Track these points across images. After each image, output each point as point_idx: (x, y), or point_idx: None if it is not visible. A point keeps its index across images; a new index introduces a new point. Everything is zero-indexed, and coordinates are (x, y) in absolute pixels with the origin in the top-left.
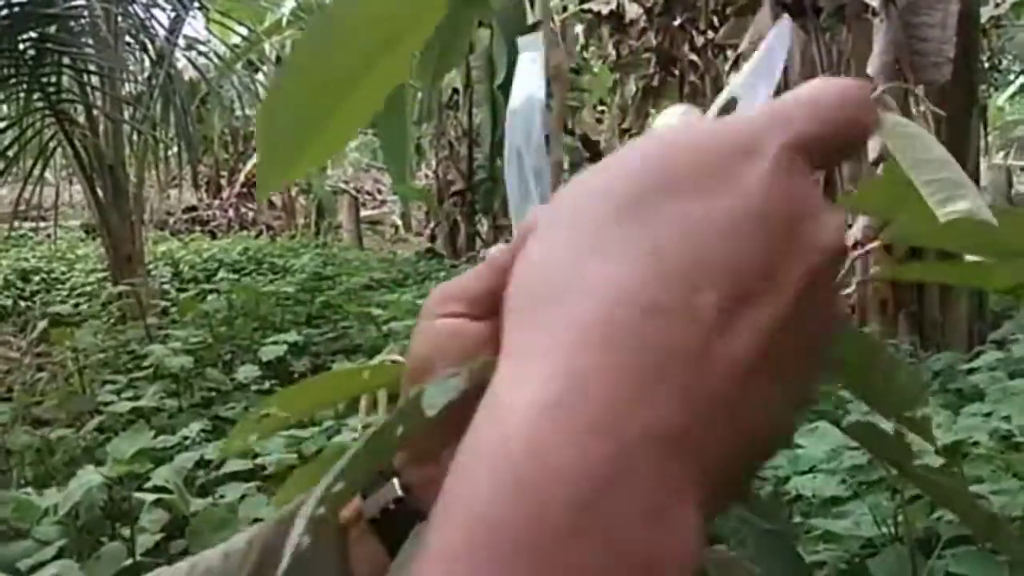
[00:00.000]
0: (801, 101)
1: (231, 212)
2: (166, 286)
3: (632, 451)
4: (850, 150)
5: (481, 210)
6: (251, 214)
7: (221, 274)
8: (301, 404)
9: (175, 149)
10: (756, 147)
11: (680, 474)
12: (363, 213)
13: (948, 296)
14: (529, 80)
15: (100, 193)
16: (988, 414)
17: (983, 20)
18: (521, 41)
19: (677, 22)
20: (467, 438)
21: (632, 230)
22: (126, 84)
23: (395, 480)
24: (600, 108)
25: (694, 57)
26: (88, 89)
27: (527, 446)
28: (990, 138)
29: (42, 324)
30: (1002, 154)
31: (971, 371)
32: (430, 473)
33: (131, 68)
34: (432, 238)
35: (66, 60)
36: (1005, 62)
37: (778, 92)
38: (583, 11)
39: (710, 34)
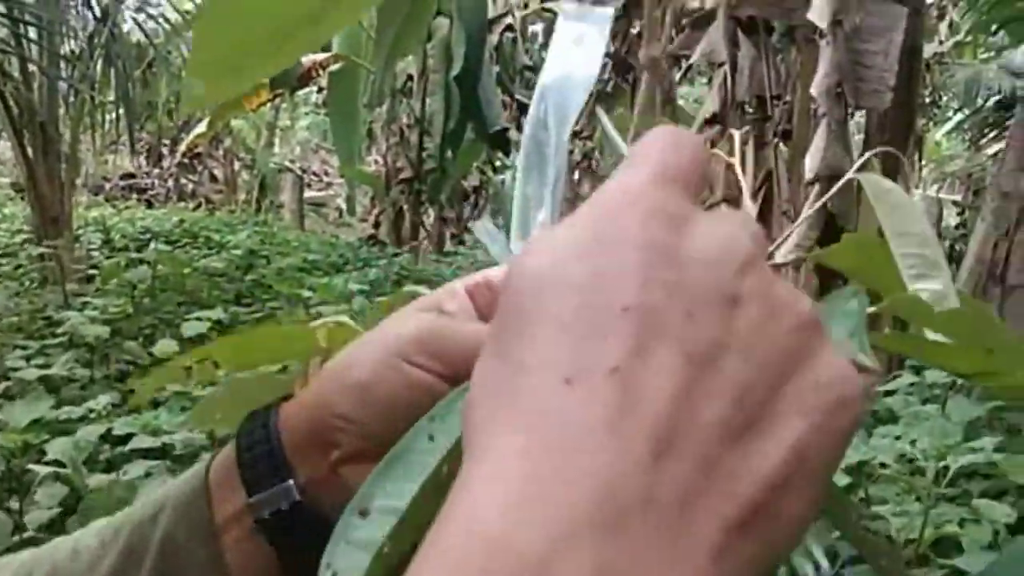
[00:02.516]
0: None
1: (171, 182)
2: (94, 253)
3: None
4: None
5: (428, 200)
6: (191, 186)
7: (153, 245)
8: (242, 357)
9: (115, 113)
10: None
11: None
12: (307, 194)
13: (871, 322)
14: (572, 56)
15: (29, 150)
16: (898, 437)
17: (927, 55)
18: (568, 7)
19: (635, 30)
20: (431, 534)
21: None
22: (66, 40)
23: (291, 482)
24: None
25: None
26: (24, 41)
27: (494, 540)
28: (925, 171)
29: None
30: (936, 187)
31: (888, 394)
32: (323, 474)
33: (72, 24)
34: (376, 225)
35: (1, 8)
36: (945, 98)
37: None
38: (544, 10)
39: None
